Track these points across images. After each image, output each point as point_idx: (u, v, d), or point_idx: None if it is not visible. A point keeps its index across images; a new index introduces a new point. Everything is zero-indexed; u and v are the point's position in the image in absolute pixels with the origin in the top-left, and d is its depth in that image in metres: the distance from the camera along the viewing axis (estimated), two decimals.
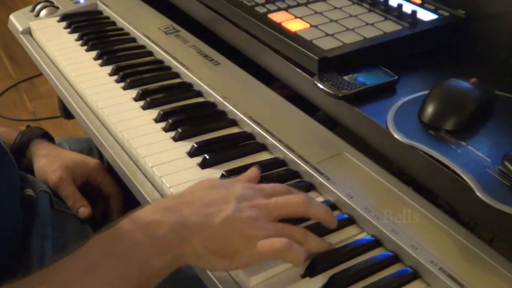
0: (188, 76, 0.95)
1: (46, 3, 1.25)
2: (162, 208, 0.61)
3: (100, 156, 1.00)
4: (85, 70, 1.01)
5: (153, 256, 0.57)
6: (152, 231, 0.58)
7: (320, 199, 0.70)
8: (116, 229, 0.59)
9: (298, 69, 0.81)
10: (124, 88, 0.95)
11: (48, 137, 1.00)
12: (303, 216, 0.64)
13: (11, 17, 1.24)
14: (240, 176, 0.69)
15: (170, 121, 0.84)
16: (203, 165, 0.76)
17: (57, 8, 1.24)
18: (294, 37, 0.83)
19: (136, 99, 0.92)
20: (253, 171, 0.70)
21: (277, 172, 0.75)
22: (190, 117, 0.86)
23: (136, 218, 0.60)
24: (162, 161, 0.77)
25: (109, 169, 0.94)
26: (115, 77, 0.98)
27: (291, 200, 0.63)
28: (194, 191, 0.64)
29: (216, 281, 0.63)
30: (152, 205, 0.64)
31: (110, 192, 0.95)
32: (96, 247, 0.58)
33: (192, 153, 0.78)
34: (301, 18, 0.87)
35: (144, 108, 0.89)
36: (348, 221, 0.67)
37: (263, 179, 0.70)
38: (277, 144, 0.77)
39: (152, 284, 0.58)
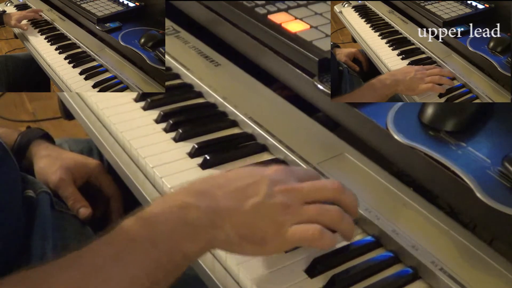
0: (189, 77, 0.95)
1: None
2: (195, 191, 0.60)
3: (100, 157, 1.00)
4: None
5: (185, 240, 0.56)
6: (185, 216, 0.57)
7: None
8: (147, 213, 0.58)
9: (298, 70, 0.82)
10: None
11: (48, 138, 1.00)
12: (333, 201, 0.62)
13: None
14: None
15: (171, 122, 0.84)
16: (204, 165, 0.76)
17: None
18: (294, 38, 0.83)
19: (137, 100, 0.92)
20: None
21: None
22: (190, 118, 0.86)
23: (167, 201, 0.59)
24: (162, 161, 0.77)
25: (109, 170, 0.94)
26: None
27: (325, 184, 0.62)
28: (228, 173, 0.63)
29: (216, 281, 0.63)
30: (185, 188, 0.61)
31: (110, 193, 0.95)
32: (126, 232, 0.57)
33: (192, 154, 0.78)
34: (301, 19, 0.88)
35: (145, 109, 0.89)
36: None
37: None
38: (277, 145, 0.77)
39: (182, 268, 0.57)
